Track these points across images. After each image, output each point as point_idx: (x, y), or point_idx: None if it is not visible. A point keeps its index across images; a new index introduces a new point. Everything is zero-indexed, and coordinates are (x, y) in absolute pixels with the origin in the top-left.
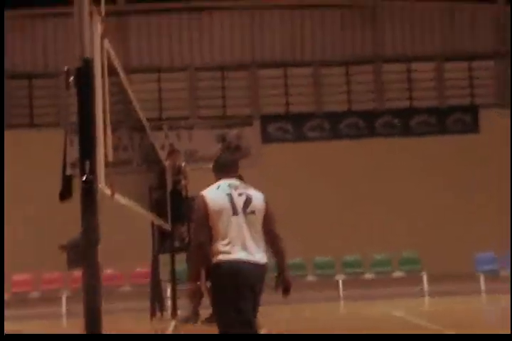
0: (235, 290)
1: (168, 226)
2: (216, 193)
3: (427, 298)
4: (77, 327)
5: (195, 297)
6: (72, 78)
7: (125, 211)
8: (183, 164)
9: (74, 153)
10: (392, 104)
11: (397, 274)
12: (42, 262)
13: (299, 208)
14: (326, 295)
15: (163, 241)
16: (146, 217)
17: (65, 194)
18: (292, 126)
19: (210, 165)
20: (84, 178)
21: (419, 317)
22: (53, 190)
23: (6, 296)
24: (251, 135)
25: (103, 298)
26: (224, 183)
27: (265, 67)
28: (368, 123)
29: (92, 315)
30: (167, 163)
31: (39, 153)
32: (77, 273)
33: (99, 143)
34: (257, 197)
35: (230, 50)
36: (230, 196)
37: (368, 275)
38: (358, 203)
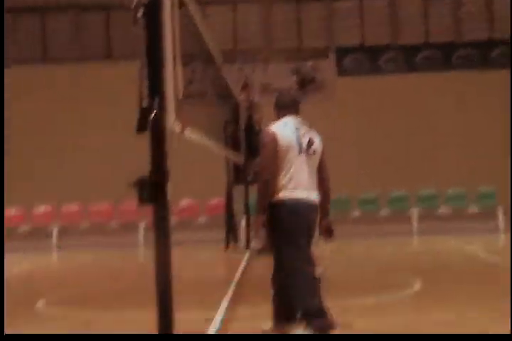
0: (296, 227)
1: (242, 160)
2: (285, 130)
3: (502, 235)
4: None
5: (259, 229)
6: (140, 12)
7: (200, 144)
8: (256, 99)
9: None
10: (472, 35)
11: (473, 209)
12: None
13: (370, 141)
14: (399, 230)
15: (237, 174)
16: (220, 151)
17: (142, 126)
18: (368, 58)
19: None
20: (153, 114)
21: (492, 254)
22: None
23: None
24: (326, 67)
25: (178, 230)
26: (290, 121)
27: None
28: (445, 56)
29: (161, 254)
30: (241, 98)
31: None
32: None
33: (168, 78)
34: (317, 139)
35: None
36: (297, 134)
37: (443, 210)
38: (432, 137)
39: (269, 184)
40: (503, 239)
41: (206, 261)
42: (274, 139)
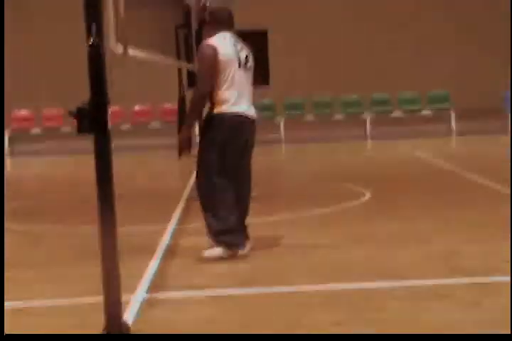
0: (232, 141)
1: (194, 67)
2: (225, 44)
3: (454, 138)
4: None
5: (188, 145)
6: None
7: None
8: (208, 2)
9: None
10: None
11: (426, 112)
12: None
13: (333, 43)
14: (353, 134)
15: (190, 79)
16: (168, 61)
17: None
18: None
19: None
20: (90, 42)
21: (444, 159)
22: None
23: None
24: None
25: (133, 135)
26: (227, 35)
27: None
28: None
29: (103, 186)
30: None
31: None
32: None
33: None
34: (251, 55)
35: None
36: (236, 48)
37: (396, 113)
38: (388, 38)
39: (206, 98)
40: (454, 142)
41: (159, 170)
42: (214, 51)
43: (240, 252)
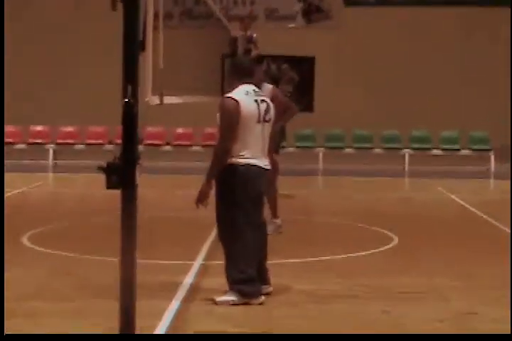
0: (244, 191)
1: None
2: (246, 98)
3: (492, 181)
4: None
5: (204, 198)
6: None
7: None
8: (254, 34)
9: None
10: None
11: (465, 152)
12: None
13: (371, 75)
14: (391, 169)
15: None
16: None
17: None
18: None
19: (290, 25)
20: (125, 101)
21: (478, 204)
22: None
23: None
24: None
25: (173, 157)
26: (249, 88)
27: None
28: None
29: (127, 237)
30: (239, 33)
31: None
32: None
33: (147, 54)
34: (271, 105)
35: None
36: (257, 102)
37: (436, 152)
38: (431, 75)
39: (228, 154)
40: (492, 185)
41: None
42: (237, 108)
43: (255, 301)
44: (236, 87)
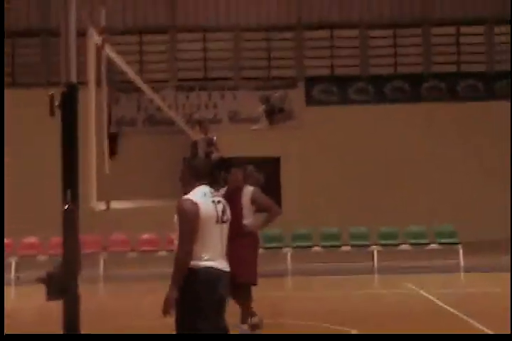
0: (205, 296)
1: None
2: (204, 200)
3: (462, 274)
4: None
5: (171, 305)
6: (57, 104)
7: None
8: (214, 137)
9: (119, 111)
10: (440, 68)
11: (433, 246)
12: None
13: (338, 173)
14: (360, 266)
15: None
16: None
17: (111, 151)
18: (337, 88)
19: (254, 127)
20: (65, 207)
21: (447, 299)
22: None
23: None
24: (295, 97)
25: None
26: (206, 190)
27: (311, 28)
28: (413, 87)
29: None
30: (199, 135)
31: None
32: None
33: (90, 164)
34: (227, 206)
35: (276, 11)
36: (214, 203)
37: (404, 246)
38: (396, 170)
39: (190, 257)
40: (462, 279)
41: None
42: (196, 210)
43: None
44: (192, 188)
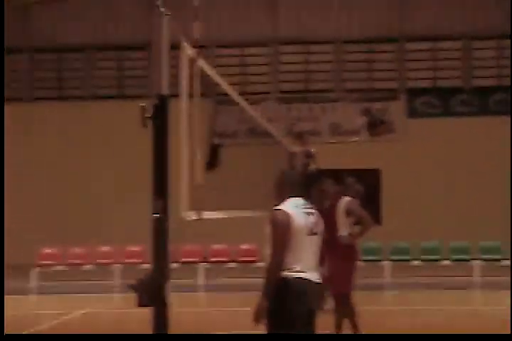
0: (297, 307)
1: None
2: (297, 211)
3: None
4: None
5: (262, 315)
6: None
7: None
8: (312, 149)
9: (222, 122)
10: None
11: None
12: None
13: (440, 185)
14: (459, 280)
15: None
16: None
17: (212, 163)
18: (439, 100)
19: (353, 139)
20: (155, 217)
21: None
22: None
23: None
24: (396, 109)
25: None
26: (298, 201)
27: (413, 40)
28: None
29: None
30: (298, 148)
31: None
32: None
33: (181, 174)
34: (320, 218)
35: (377, 23)
36: (306, 216)
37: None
38: (501, 183)
39: (281, 266)
40: None
41: None
42: (288, 221)
43: None
44: (285, 200)
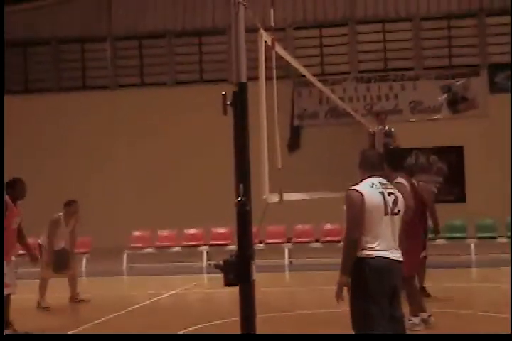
0: (376, 285)
1: None
2: (371, 190)
3: None
4: None
5: (341, 290)
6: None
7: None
8: (392, 128)
9: (301, 104)
10: None
11: None
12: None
13: None
14: None
15: None
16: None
17: (294, 145)
18: None
19: (434, 116)
20: (238, 200)
21: None
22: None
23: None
24: (477, 85)
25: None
26: (376, 181)
27: (493, 14)
28: None
29: (247, 325)
30: (378, 127)
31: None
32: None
33: (262, 158)
34: (401, 198)
35: None
36: (383, 195)
37: None
38: None
39: (356, 244)
40: None
41: None
42: (361, 199)
43: None
44: (364, 179)
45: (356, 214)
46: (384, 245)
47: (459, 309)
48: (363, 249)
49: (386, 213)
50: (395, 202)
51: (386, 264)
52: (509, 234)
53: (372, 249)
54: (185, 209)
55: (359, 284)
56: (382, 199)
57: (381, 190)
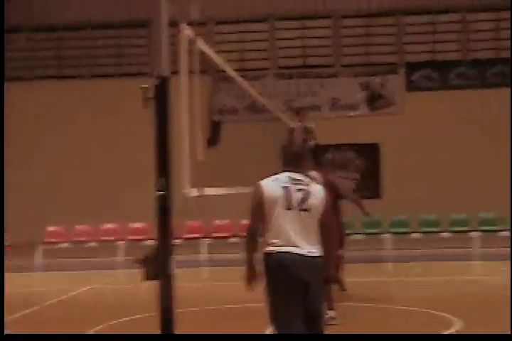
0: (280, 281)
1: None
2: (272, 184)
3: None
4: None
5: (246, 282)
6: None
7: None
8: (312, 125)
9: (221, 99)
10: None
11: None
12: None
13: (438, 158)
14: (459, 253)
15: None
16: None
17: (213, 140)
18: (438, 73)
19: (352, 113)
20: (158, 194)
21: None
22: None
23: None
24: (395, 83)
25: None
26: (283, 176)
27: (411, 13)
28: None
29: (165, 318)
30: (296, 124)
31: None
32: None
33: (183, 152)
34: (317, 195)
35: None
36: (287, 189)
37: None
38: (499, 156)
39: (254, 236)
40: None
41: None
42: (260, 191)
43: None
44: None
45: (255, 205)
46: (286, 240)
47: (378, 304)
48: (267, 245)
49: (289, 208)
50: (304, 199)
51: (288, 259)
52: (422, 229)
53: (273, 245)
54: (102, 204)
55: (266, 280)
56: (283, 194)
57: (286, 184)
